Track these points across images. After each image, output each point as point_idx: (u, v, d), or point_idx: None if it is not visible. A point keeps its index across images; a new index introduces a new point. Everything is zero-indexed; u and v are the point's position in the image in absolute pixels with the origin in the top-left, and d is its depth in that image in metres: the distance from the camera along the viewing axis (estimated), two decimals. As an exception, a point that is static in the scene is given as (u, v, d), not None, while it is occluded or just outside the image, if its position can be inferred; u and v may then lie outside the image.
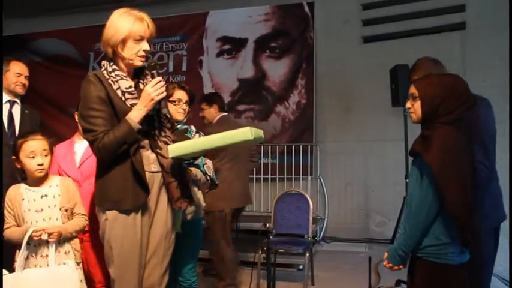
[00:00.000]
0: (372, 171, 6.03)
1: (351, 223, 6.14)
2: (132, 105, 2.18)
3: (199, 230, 2.91)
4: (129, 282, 2.18)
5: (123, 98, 2.19)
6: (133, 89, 2.22)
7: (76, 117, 2.95)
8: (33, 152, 2.44)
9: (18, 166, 2.50)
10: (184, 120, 2.97)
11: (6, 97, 3.24)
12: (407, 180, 5.18)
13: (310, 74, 6.31)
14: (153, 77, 2.24)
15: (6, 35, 7.68)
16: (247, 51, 6.63)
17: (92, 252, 2.86)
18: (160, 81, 2.18)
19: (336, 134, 6.28)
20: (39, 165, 2.44)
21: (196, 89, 6.44)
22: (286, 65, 6.45)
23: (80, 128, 2.94)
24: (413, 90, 2.04)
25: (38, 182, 2.50)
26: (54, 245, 2.37)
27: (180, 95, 2.85)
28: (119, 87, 2.19)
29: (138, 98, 2.20)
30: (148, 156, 2.25)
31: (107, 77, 2.19)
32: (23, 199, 2.45)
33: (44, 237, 2.32)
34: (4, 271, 2.25)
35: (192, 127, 3.00)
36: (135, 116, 2.14)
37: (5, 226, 2.43)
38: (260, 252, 3.94)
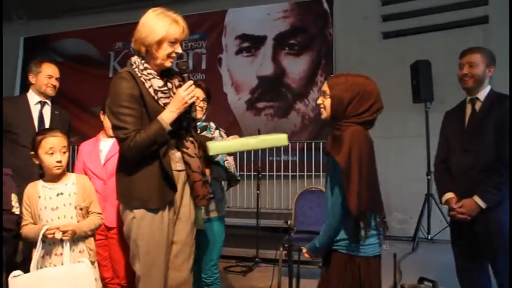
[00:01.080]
0: (393, 168, 5.96)
1: (371, 220, 6.10)
2: (165, 104, 2.21)
3: (222, 227, 2.94)
4: (154, 279, 2.21)
5: (156, 97, 2.21)
6: (166, 88, 2.24)
7: (101, 116, 3.00)
8: (52, 148, 2.44)
9: (37, 162, 2.51)
10: (203, 118, 2.99)
11: (37, 98, 3.32)
12: (428, 177, 5.15)
13: (330, 70, 6.27)
14: (184, 80, 2.27)
15: (29, 36, 7.86)
16: (266, 48, 6.62)
17: (117, 249, 2.90)
18: (192, 85, 2.22)
19: (356, 130, 6.24)
20: (57, 162, 2.44)
21: (216, 87, 6.49)
22: (306, 62, 6.43)
23: (105, 125, 2.99)
24: (325, 87, 2.10)
25: (55, 178, 2.51)
26: (68, 244, 2.37)
27: (197, 93, 2.87)
28: (151, 86, 2.21)
29: (169, 97, 2.23)
30: (174, 155, 2.27)
31: (139, 74, 2.21)
32: (40, 197, 2.46)
33: (58, 235, 2.32)
34: (19, 272, 2.24)
35: (212, 124, 3.02)
36: (166, 118, 2.16)
37: (23, 223, 2.45)
38: (281, 249, 3.95)
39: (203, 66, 6.99)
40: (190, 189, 2.32)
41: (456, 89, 5.68)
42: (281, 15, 6.64)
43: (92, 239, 2.56)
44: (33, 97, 3.32)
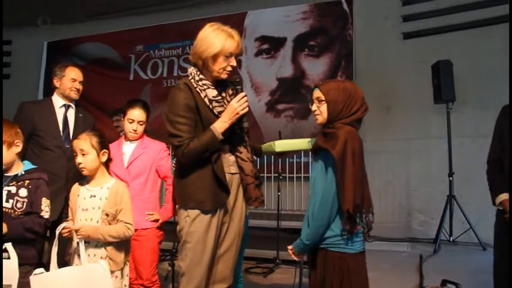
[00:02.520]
0: (414, 170, 5.93)
1: (392, 222, 6.05)
2: (219, 112, 2.33)
3: (246, 227, 2.97)
4: (197, 276, 2.32)
5: (210, 106, 2.33)
6: (220, 97, 2.36)
7: (122, 120, 3.09)
8: (74, 151, 2.54)
9: None
10: None
11: (61, 101, 3.39)
12: (450, 178, 5.09)
13: (350, 72, 6.26)
14: (237, 92, 2.38)
15: (53, 41, 8.02)
16: (285, 50, 6.63)
17: (140, 251, 2.96)
18: (244, 97, 2.33)
19: (376, 132, 6.16)
20: (78, 164, 2.52)
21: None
22: (325, 63, 6.42)
23: (125, 129, 3.09)
24: (319, 94, 2.23)
25: (93, 180, 2.57)
26: (83, 244, 2.38)
27: None
28: (206, 96, 2.32)
29: (223, 106, 2.34)
30: (228, 159, 2.40)
31: (195, 85, 2.33)
32: (78, 195, 2.54)
33: (75, 237, 2.38)
34: (41, 270, 2.29)
35: None
36: (219, 127, 2.29)
37: (68, 219, 2.58)
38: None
39: (223, 69, 7.01)
40: (244, 192, 2.45)
41: (478, 89, 5.63)
42: (300, 16, 6.65)
43: (113, 248, 2.48)
44: (57, 100, 3.39)
